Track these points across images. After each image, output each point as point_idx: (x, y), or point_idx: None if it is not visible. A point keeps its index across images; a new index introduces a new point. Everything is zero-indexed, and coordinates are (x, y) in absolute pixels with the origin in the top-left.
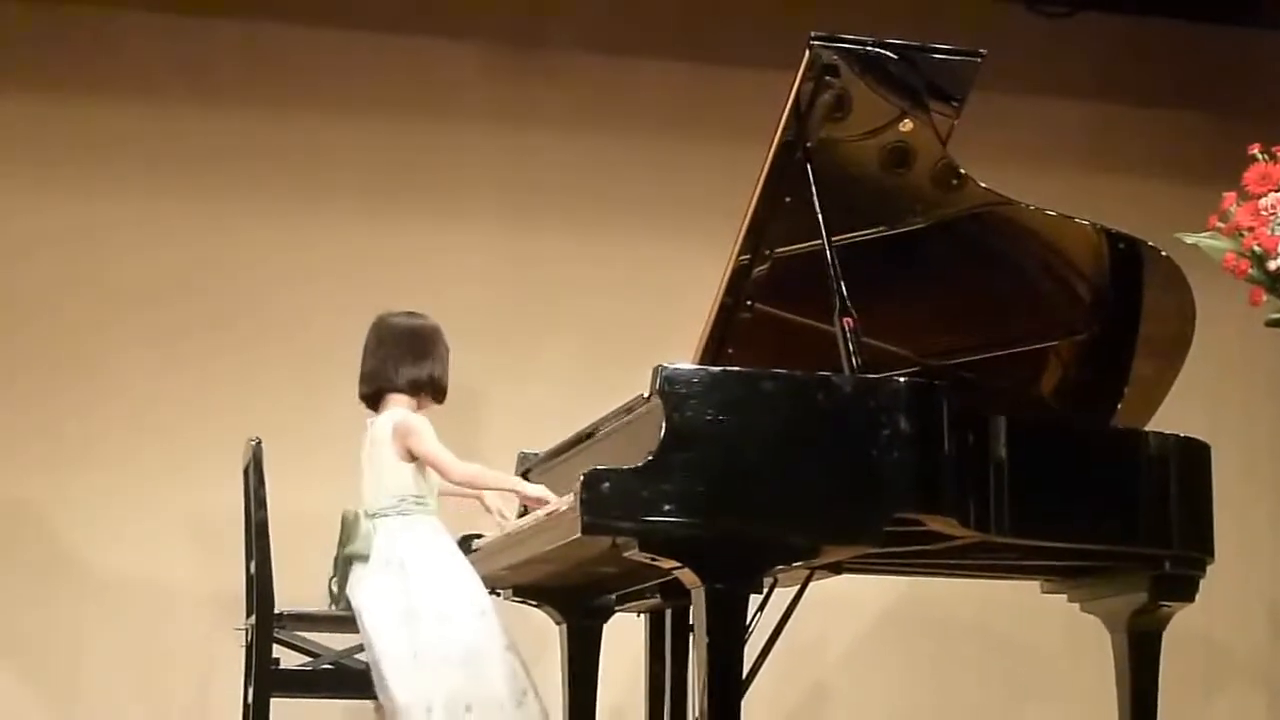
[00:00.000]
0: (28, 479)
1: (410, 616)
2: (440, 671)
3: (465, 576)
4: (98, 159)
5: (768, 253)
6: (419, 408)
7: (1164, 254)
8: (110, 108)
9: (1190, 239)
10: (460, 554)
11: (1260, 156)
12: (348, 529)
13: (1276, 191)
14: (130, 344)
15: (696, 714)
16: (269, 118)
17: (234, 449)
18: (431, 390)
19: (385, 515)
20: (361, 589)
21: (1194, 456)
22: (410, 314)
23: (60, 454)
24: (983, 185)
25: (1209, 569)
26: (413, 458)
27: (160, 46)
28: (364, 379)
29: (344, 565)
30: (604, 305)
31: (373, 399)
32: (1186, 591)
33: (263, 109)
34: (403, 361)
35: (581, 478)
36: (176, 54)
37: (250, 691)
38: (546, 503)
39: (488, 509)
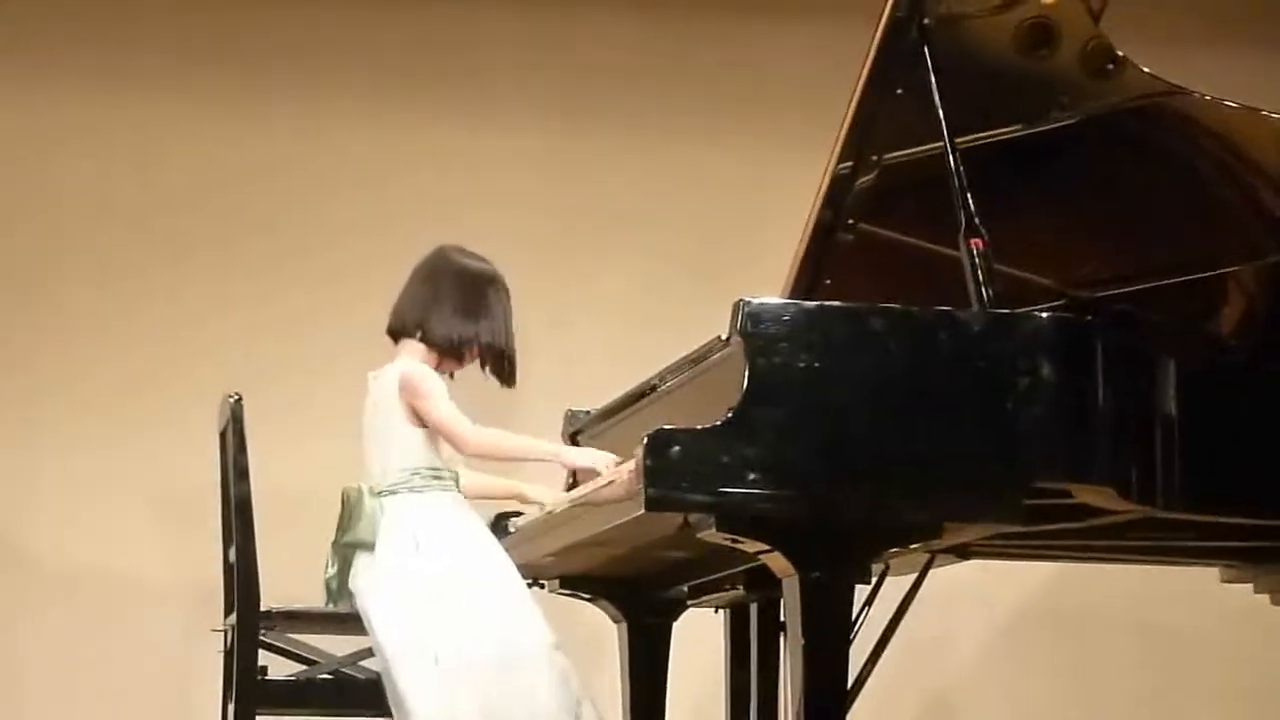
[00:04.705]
0: None
1: (427, 613)
2: (467, 679)
3: (496, 563)
4: (39, 58)
5: (874, 159)
6: (438, 366)
7: None
8: None
9: None
10: (490, 536)
11: None
12: (349, 510)
13: None
14: (80, 282)
15: None
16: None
17: (209, 409)
18: (468, 356)
19: (394, 492)
20: (367, 582)
21: None
22: (474, 255)
23: None
24: (1146, 70)
25: None
26: (423, 422)
27: None
28: (393, 310)
29: (345, 554)
30: (669, 228)
31: (393, 337)
32: None
33: None
34: (443, 308)
35: (645, 440)
36: None
37: (231, 707)
38: (598, 472)
39: (528, 501)
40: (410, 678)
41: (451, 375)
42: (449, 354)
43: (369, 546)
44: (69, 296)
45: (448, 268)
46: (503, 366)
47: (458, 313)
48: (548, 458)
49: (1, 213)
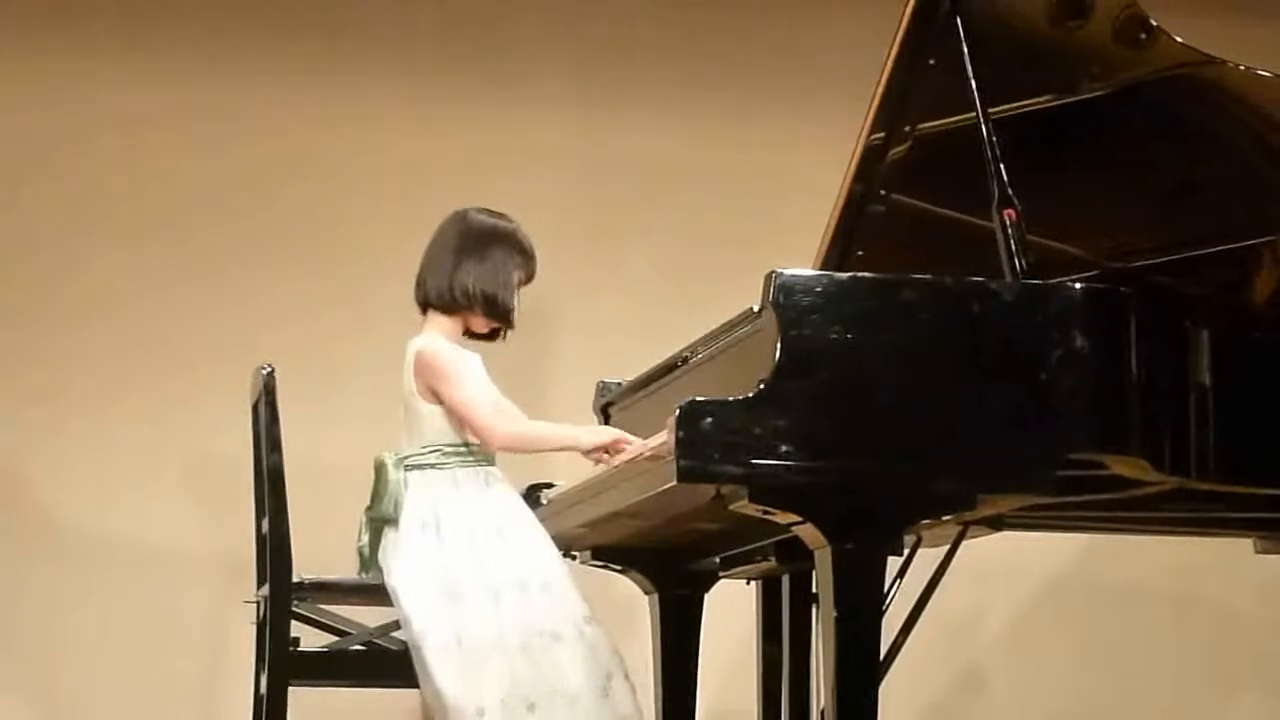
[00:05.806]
0: None
1: (451, 592)
2: (492, 661)
3: (524, 541)
4: (72, 42)
5: (907, 129)
6: (465, 332)
7: None
8: None
9: None
10: (523, 511)
11: None
12: (376, 482)
13: None
14: (113, 255)
15: (822, 705)
16: None
17: (241, 380)
18: (482, 309)
19: (418, 467)
20: (394, 558)
21: None
22: (490, 212)
23: (30, 392)
24: (1179, 40)
25: None
26: (439, 399)
27: None
28: (416, 279)
29: (374, 526)
30: (702, 199)
31: (421, 308)
32: None
33: None
34: (448, 262)
35: (677, 412)
36: None
37: (264, 678)
38: (621, 450)
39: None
40: (434, 657)
41: (481, 333)
42: (457, 310)
43: (394, 522)
44: (103, 269)
45: (457, 225)
46: (494, 314)
47: (459, 264)
48: (569, 444)
49: (37, 187)
